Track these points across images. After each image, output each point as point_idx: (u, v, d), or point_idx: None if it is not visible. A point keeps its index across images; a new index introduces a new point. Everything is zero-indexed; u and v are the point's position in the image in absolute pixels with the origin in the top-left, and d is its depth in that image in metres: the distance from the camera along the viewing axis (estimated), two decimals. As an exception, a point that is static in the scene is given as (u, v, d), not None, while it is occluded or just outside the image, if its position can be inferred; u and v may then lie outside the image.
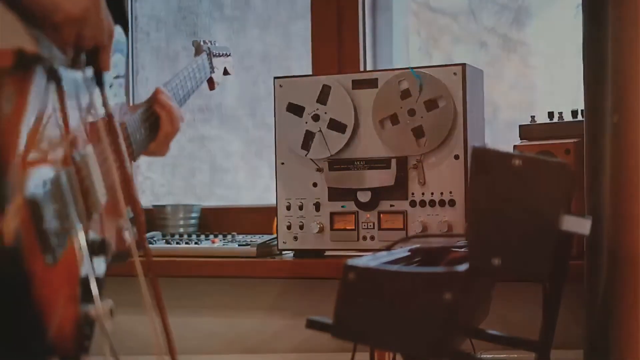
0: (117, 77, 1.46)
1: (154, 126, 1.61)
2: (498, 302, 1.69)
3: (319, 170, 2.10)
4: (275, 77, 2.15)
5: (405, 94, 2.00)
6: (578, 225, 1.26)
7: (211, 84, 1.94)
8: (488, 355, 2.03)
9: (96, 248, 1.21)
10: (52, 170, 1.12)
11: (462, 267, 1.24)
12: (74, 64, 1.28)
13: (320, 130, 2.07)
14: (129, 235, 1.34)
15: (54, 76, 1.14)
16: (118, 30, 1.40)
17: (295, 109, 2.10)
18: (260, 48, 2.72)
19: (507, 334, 1.49)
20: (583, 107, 1.82)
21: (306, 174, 2.11)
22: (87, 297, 1.16)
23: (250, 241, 2.25)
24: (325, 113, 2.08)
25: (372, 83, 2.05)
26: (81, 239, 1.16)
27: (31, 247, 1.03)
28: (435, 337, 1.21)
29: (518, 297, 2.03)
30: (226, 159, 2.76)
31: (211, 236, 2.36)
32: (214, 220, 2.61)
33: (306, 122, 2.09)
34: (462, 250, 1.49)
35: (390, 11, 2.58)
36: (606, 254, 1.72)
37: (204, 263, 2.21)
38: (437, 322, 1.20)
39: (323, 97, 2.08)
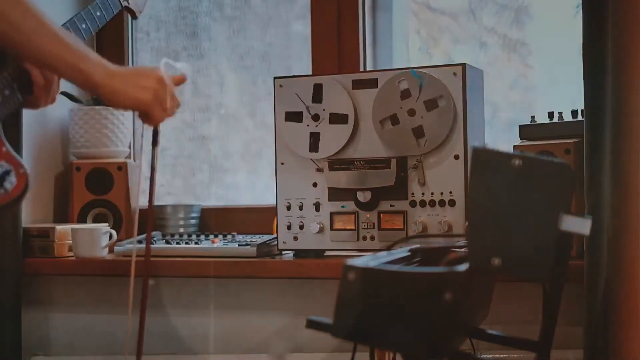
0: None
1: (27, 83, 1.75)
2: (498, 302, 1.69)
3: (319, 170, 2.10)
4: (275, 77, 2.15)
5: (405, 94, 2.00)
6: (578, 225, 1.26)
7: (132, 13, 2.10)
8: (488, 355, 2.03)
9: None
10: None
11: (462, 267, 1.24)
12: None
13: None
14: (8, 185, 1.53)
15: None
16: None
17: (294, 116, 2.10)
18: (260, 48, 2.72)
19: (507, 334, 1.49)
20: (583, 107, 1.82)
21: (306, 174, 2.11)
22: None
23: (250, 241, 2.25)
24: (324, 110, 2.08)
25: (372, 83, 2.05)
26: None
27: None
28: (435, 337, 1.21)
29: (518, 297, 2.03)
30: (226, 159, 2.75)
31: (211, 236, 2.36)
32: (214, 220, 2.61)
33: (307, 125, 2.09)
34: (462, 250, 1.49)
35: (390, 11, 2.58)
36: (606, 254, 1.72)
37: (204, 263, 2.20)
38: (437, 322, 1.20)
39: (317, 95, 2.08)
